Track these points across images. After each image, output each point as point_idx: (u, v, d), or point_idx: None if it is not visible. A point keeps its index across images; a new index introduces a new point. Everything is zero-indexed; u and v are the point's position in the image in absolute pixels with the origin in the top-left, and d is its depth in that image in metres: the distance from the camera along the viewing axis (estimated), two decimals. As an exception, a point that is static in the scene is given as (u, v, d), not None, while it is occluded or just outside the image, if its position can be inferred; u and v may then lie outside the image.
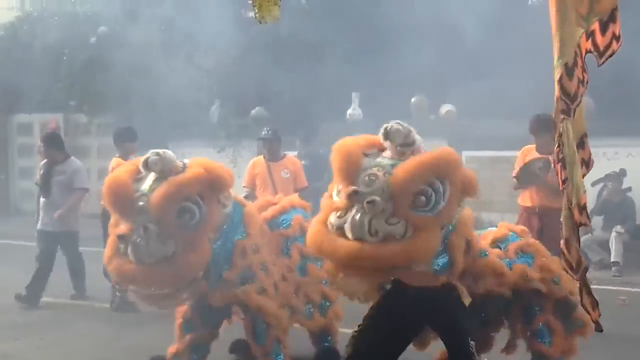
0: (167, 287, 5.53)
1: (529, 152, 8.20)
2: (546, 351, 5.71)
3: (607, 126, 12.11)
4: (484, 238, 5.59)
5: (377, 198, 4.59)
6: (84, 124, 16.72)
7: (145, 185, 5.46)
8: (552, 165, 7.90)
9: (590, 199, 11.59)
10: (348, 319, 5.33)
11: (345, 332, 6.20)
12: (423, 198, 4.59)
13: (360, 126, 14.31)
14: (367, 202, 4.59)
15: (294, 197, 6.94)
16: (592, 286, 9.69)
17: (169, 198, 5.35)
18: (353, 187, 4.66)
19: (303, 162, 12.11)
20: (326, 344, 6.65)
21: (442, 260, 4.90)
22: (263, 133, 9.27)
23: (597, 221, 11.75)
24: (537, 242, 5.89)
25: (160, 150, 5.57)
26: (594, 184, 11.73)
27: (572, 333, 5.85)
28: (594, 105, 12.53)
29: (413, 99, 14.27)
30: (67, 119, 17.68)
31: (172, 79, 14.74)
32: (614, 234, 11.13)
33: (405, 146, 4.77)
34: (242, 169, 11.02)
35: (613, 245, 11.06)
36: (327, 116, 14.74)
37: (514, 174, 8.27)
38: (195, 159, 5.73)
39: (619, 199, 11.55)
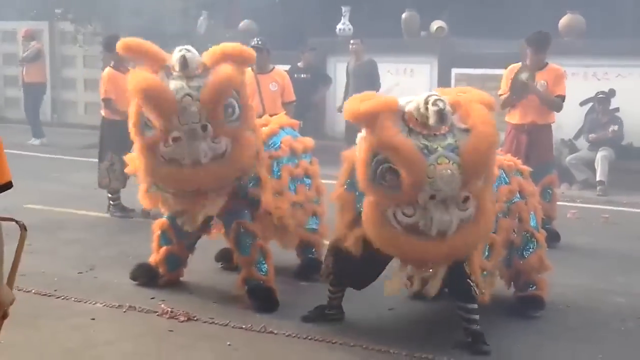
0: (219, 185, 5.73)
1: (516, 69, 8.16)
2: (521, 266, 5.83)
3: (598, 46, 12.04)
4: None
5: (467, 194, 4.64)
6: (70, 33, 16.46)
7: (184, 85, 5.46)
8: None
9: (579, 119, 11.63)
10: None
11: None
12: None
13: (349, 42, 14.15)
14: (463, 201, 4.63)
15: (282, 117, 6.90)
16: (577, 205, 9.90)
17: (222, 96, 5.48)
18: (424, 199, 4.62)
19: (303, 75, 12.11)
20: (310, 255, 6.72)
21: None
22: (253, 42, 9.13)
23: (583, 141, 11.77)
24: (521, 180, 5.90)
25: (185, 47, 5.61)
26: (582, 104, 11.72)
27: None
28: (585, 25, 12.45)
29: (404, 15, 14.07)
30: (52, 27, 17.39)
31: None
32: (600, 153, 11.17)
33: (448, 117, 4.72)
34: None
35: (599, 164, 11.10)
36: (316, 30, 14.55)
37: (499, 93, 8.26)
38: (214, 48, 5.77)
39: (607, 119, 11.54)
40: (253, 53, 5.96)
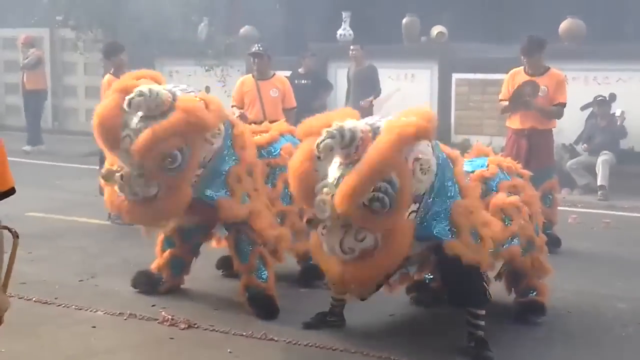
0: (147, 224, 5.89)
1: (517, 74, 8.21)
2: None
3: (598, 50, 12.04)
4: (474, 178, 5.46)
5: (330, 224, 4.64)
6: (71, 40, 16.48)
7: (132, 124, 5.41)
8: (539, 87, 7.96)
9: (579, 123, 11.63)
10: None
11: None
12: (378, 204, 4.48)
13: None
14: (324, 228, 4.70)
15: (282, 124, 6.89)
16: (578, 209, 9.90)
17: (151, 147, 5.30)
18: (307, 218, 4.82)
19: (304, 81, 12.07)
20: (310, 262, 6.70)
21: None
22: (254, 48, 9.16)
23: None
24: (521, 181, 5.87)
25: (145, 89, 5.39)
26: (583, 108, 11.70)
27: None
28: (585, 29, 12.45)
29: (404, 20, 14.09)
30: (53, 34, 17.41)
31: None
32: (600, 158, 11.16)
33: (347, 148, 4.59)
34: (230, 88, 10.95)
35: (599, 169, 11.09)
36: (317, 36, 14.56)
37: (500, 98, 8.31)
38: (184, 98, 5.53)
39: (606, 123, 11.53)
40: (213, 123, 5.59)
